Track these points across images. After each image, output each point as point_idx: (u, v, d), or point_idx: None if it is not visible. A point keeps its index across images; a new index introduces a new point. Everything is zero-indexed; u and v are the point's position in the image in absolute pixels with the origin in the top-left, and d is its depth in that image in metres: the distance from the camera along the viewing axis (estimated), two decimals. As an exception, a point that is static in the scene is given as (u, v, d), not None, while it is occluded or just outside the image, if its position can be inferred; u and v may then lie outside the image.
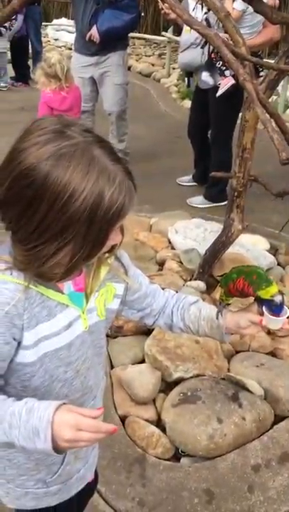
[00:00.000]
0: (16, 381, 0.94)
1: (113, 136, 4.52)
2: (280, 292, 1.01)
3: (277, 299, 0.99)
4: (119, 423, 1.99)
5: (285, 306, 1.02)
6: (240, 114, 2.73)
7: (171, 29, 9.20)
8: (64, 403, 0.83)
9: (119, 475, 1.81)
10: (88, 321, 0.99)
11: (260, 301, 1.04)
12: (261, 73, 3.55)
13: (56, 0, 13.20)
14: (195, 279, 2.73)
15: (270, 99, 2.35)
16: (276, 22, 2.32)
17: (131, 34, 8.15)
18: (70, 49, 7.21)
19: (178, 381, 2.11)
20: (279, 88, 6.52)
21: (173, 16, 3.65)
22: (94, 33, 4.00)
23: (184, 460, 1.92)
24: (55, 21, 12.56)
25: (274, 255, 3.13)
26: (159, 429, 1.97)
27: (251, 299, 1.08)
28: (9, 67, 8.19)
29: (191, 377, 2.12)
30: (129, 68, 7.46)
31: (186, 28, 3.71)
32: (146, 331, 2.38)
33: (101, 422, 0.82)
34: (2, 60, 7.81)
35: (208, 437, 1.87)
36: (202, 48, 3.62)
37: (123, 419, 2.02)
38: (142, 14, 9.85)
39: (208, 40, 1.87)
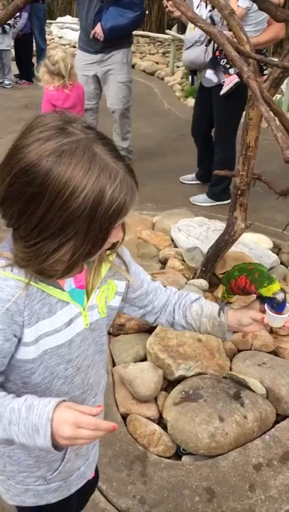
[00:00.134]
0: (17, 377, 0.94)
1: (116, 134, 4.52)
2: (282, 290, 1.00)
3: (280, 296, 0.99)
4: (121, 421, 1.99)
5: (287, 304, 1.01)
6: (243, 113, 2.73)
7: (175, 27, 9.20)
8: (64, 400, 0.83)
9: (121, 473, 1.81)
10: (89, 318, 0.99)
11: (262, 299, 1.03)
12: (265, 71, 3.55)
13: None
14: (197, 278, 2.73)
15: (274, 98, 2.33)
16: (281, 20, 2.31)
17: (135, 32, 8.15)
18: (74, 47, 7.22)
19: (180, 379, 2.11)
20: (283, 87, 6.50)
21: (177, 13, 3.64)
22: (98, 30, 3.99)
23: (185, 458, 1.92)
24: (59, 19, 12.56)
25: (277, 254, 3.12)
26: (161, 427, 1.97)
27: (253, 296, 1.07)
28: (13, 65, 8.20)
29: (193, 375, 2.11)
30: (133, 66, 7.44)
31: (190, 26, 3.70)
32: (149, 329, 2.38)
33: (100, 420, 0.82)
34: (6, 58, 7.81)
35: (209, 436, 1.86)
36: (206, 45, 3.61)
37: (125, 416, 2.03)
38: (147, 12, 9.84)
39: (212, 38, 1.86)
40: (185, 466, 1.86)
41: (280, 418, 2.06)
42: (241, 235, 2.58)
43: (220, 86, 3.66)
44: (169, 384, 2.15)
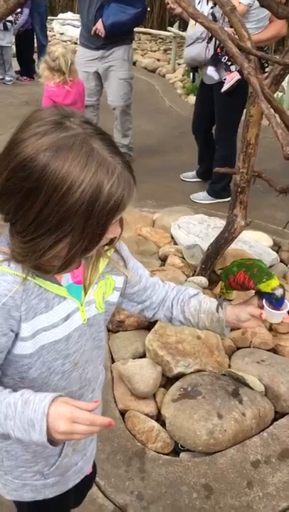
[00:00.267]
0: (14, 372, 0.94)
1: (117, 131, 4.51)
2: (281, 286, 1.00)
3: (278, 292, 0.98)
4: (119, 417, 2.00)
5: (285, 300, 1.01)
6: (244, 110, 2.71)
7: (176, 24, 9.17)
8: (60, 395, 0.82)
9: (119, 469, 1.81)
10: (87, 313, 0.99)
11: (260, 295, 1.03)
12: (266, 69, 3.54)
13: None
14: (197, 275, 2.72)
15: (275, 95, 2.33)
16: (282, 17, 2.30)
17: (136, 29, 8.11)
18: (76, 43, 7.19)
19: (178, 376, 2.11)
20: (284, 84, 6.48)
21: (179, 10, 3.63)
22: (99, 27, 3.98)
23: (183, 455, 1.92)
24: (60, 15, 12.52)
25: (277, 252, 3.12)
26: (159, 423, 1.97)
27: (252, 292, 1.07)
28: (14, 62, 8.18)
29: (192, 372, 2.11)
30: (134, 63, 7.42)
31: (191, 23, 3.69)
32: (148, 326, 2.38)
33: (96, 415, 0.82)
34: (7, 55, 7.79)
35: (207, 432, 1.86)
36: (208, 42, 3.60)
37: (123, 413, 2.03)
38: (148, 9, 9.82)
39: (213, 34, 1.86)
40: (183, 462, 1.86)
41: (278, 415, 2.06)
42: (241, 233, 2.58)
43: (221, 83, 3.65)
44: (167, 381, 2.15)
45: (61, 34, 11.70)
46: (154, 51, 10.74)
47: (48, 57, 3.31)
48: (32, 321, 0.89)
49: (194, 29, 3.65)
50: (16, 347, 0.90)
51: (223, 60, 3.58)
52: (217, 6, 2.93)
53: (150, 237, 3.14)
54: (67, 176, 0.76)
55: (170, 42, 10.08)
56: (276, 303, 1.00)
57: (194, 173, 4.48)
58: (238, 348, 2.34)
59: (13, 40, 7.92)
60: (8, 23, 7.38)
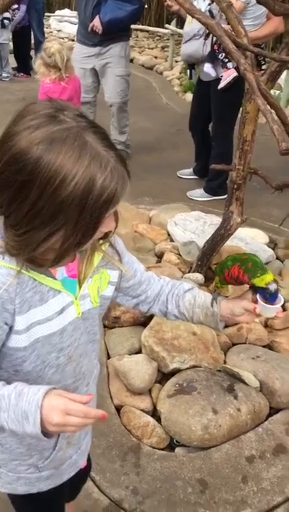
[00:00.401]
0: (8, 365, 0.94)
1: (114, 128, 4.51)
2: (275, 280, 1.00)
3: (272, 287, 0.99)
4: (115, 412, 2.00)
5: (279, 295, 1.01)
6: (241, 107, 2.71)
7: (174, 21, 9.16)
8: (54, 388, 0.83)
9: (114, 463, 1.82)
10: (81, 307, 0.99)
11: (254, 289, 1.03)
12: (263, 67, 3.54)
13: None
14: (193, 272, 2.73)
15: (272, 92, 2.33)
16: (279, 13, 2.29)
17: (134, 26, 8.10)
18: (73, 40, 7.19)
19: (174, 372, 2.12)
20: (282, 82, 6.50)
21: (176, 7, 3.63)
22: (96, 23, 3.98)
23: (178, 450, 1.93)
24: (57, 12, 12.50)
25: (273, 249, 3.13)
26: (155, 419, 1.98)
27: (246, 287, 1.07)
28: (11, 58, 8.16)
29: (188, 368, 2.12)
30: (131, 60, 7.41)
31: (188, 20, 3.69)
32: (144, 322, 2.38)
33: (90, 408, 0.82)
34: (4, 51, 7.77)
35: (202, 428, 1.87)
36: (205, 39, 3.60)
37: (119, 408, 2.03)
38: (146, 6, 9.80)
39: (209, 30, 1.86)
40: (178, 457, 1.87)
41: (273, 411, 2.07)
42: (237, 229, 2.58)
43: (218, 80, 3.65)
44: (163, 376, 2.16)
45: (58, 31, 11.68)
46: (152, 48, 10.74)
47: (43, 54, 3.31)
48: (26, 314, 0.90)
49: (191, 26, 3.65)
50: (11, 340, 0.90)
51: (220, 57, 3.58)
52: (214, 3, 2.93)
53: (146, 233, 3.14)
54: (61, 168, 0.76)
55: (168, 39, 10.07)
56: (270, 297, 1.00)
57: (191, 170, 4.49)
58: (234, 344, 2.35)
59: (11, 36, 7.90)
60: (6, 21, 7.36)
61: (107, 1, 3.97)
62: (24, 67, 8.21)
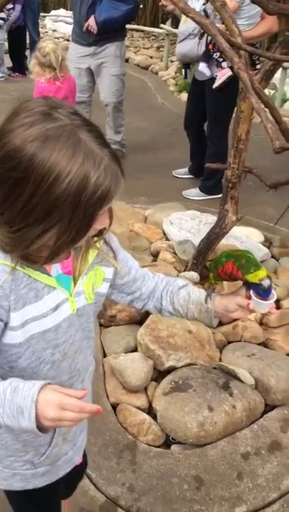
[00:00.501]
0: (3, 362, 0.95)
1: (109, 128, 4.51)
2: (269, 276, 1.01)
3: (266, 283, 1.00)
4: (111, 410, 2.01)
5: (272, 291, 1.02)
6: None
7: (169, 21, 9.16)
8: (49, 383, 0.83)
9: (110, 461, 1.83)
10: (76, 304, 0.99)
11: (248, 285, 1.04)
12: (257, 66, 3.55)
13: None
14: (189, 270, 2.74)
15: (267, 92, 2.35)
16: (273, 12, 2.31)
17: (129, 26, 8.10)
18: (68, 40, 7.18)
19: (170, 370, 2.12)
20: (276, 82, 6.51)
21: (171, 7, 3.64)
22: (92, 23, 3.98)
23: (174, 447, 1.94)
24: (53, 12, 12.48)
25: (268, 248, 3.14)
26: (150, 416, 1.99)
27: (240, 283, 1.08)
28: (6, 58, 8.15)
29: (183, 366, 2.13)
30: (127, 60, 7.41)
31: (183, 19, 3.69)
32: (139, 321, 2.39)
33: (85, 402, 0.83)
34: (-1, 51, 7.76)
35: (198, 425, 1.88)
36: (200, 38, 3.61)
37: (115, 406, 2.04)
38: (141, 6, 9.80)
39: (203, 29, 1.87)
40: (174, 454, 1.88)
41: (268, 408, 2.09)
42: (232, 228, 2.59)
43: (213, 79, 3.67)
44: (159, 374, 2.16)
45: (54, 31, 11.66)
46: (147, 48, 10.74)
47: (38, 53, 3.31)
48: (21, 310, 0.90)
49: (186, 25, 3.66)
50: (6, 336, 0.91)
51: (214, 56, 3.59)
52: (209, 3, 2.94)
53: (142, 232, 3.15)
54: (55, 166, 0.77)
55: (163, 39, 10.08)
56: (263, 293, 1.01)
57: (186, 169, 4.50)
58: (229, 342, 2.36)
59: (6, 36, 7.89)
60: (1, 21, 7.35)
61: (102, 0, 3.98)
62: (19, 67, 8.20)
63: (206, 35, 3.45)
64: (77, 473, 1.32)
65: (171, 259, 2.83)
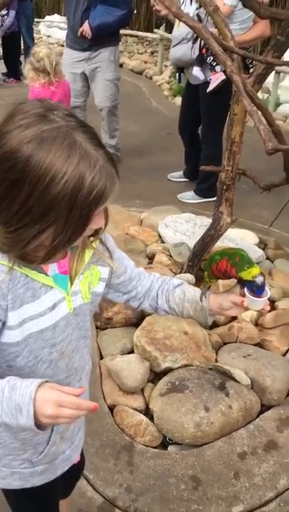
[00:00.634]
0: (1, 361, 0.96)
1: (104, 132, 4.53)
2: (262, 274, 1.03)
3: (259, 280, 1.01)
4: (108, 412, 2.01)
5: (266, 288, 1.04)
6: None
7: (163, 26, 9.21)
8: (47, 381, 0.84)
9: (108, 462, 1.83)
10: (73, 303, 1.01)
11: (242, 283, 1.06)
12: (251, 70, 3.58)
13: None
14: (184, 272, 2.75)
15: (261, 96, 2.37)
16: (265, 17, 2.34)
17: (123, 31, 8.14)
18: (62, 46, 7.20)
19: (166, 371, 2.13)
20: (270, 86, 6.56)
21: (164, 12, 3.67)
22: (86, 28, 4.01)
23: (171, 448, 1.95)
24: (47, 18, 12.51)
25: (263, 250, 3.16)
26: (147, 417, 2.00)
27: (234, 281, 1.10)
28: (1, 63, 8.17)
29: (179, 367, 2.14)
30: (121, 65, 7.45)
31: (177, 24, 3.72)
32: (136, 323, 2.40)
33: (82, 400, 0.84)
34: (-6, 56, 7.79)
35: (195, 425, 1.89)
36: (193, 43, 3.64)
37: (112, 408, 2.05)
38: (135, 12, 9.85)
39: (196, 33, 1.89)
40: (171, 455, 1.89)
41: (264, 408, 2.10)
42: (227, 230, 2.61)
43: (207, 83, 3.69)
44: (155, 376, 2.17)
45: (48, 36, 11.70)
46: (141, 53, 10.78)
47: (32, 58, 3.33)
48: (19, 309, 0.91)
49: (180, 30, 3.68)
50: (4, 335, 0.92)
51: (208, 60, 3.62)
52: (202, 8, 2.97)
53: (138, 235, 3.17)
54: (51, 167, 0.78)
55: (157, 44, 10.12)
56: (257, 290, 1.03)
57: (181, 173, 4.52)
58: (225, 343, 2.37)
59: (0, 42, 7.92)
60: (-5, 27, 7.38)
61: (96, 6, 4.00)
62: (14, 72, 8.21)
63: (199, 39, 3.48)
64: (75, 472, 1.32)
65: (166, 261, 2.84)
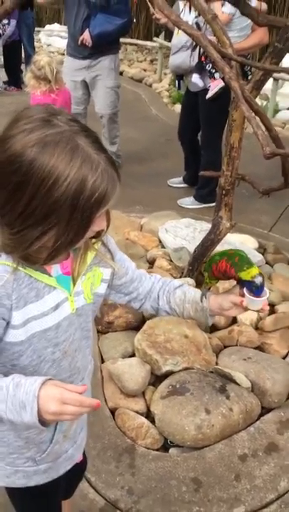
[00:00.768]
0: (6, 360, 0.97)
1: (105, 139, 4.57)
2: (261, 274, 1.05)
3: (258, 280, 1.03)
4: (110, 415, 2.03)
5: (265, 288, 1.06)
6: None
7: (162, 34, 9.29)
8: (50, 379, 0.86)
9: (109, 465, 1.84)
10: (75, 303, 1.03)
11: (241, 283, 1.08)
12: (249, 77, 3.62)
13: (48, 6, 13.25)
14: (185, 277, 2.77)
15: (259, 103, 2.41)
16: (262, 24, 2.38)
17: (123, 40, 8.21)
18: (63, 54, 7.27)
19: (167, 374, 2.15)
20: (268, 93, 6.62)
21: (164, 20, 3.72)
22: (86, 36, 4.06)
23: (172, 450, 1.96)
24: (47, 27, 12.64)
25: (262, 254, 3.19)
26: (149, 420, 2.01)
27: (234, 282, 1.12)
28: (2, 72, 8.25)
29: (180, 370, 2.15)
30: (121, 73, 7.51)
31: (176, 32, 3.77)
32: (136, 327, 2.41)
33: (85, 397, 0.86)
34: (-5, 65, 7.86)
35: (196, 428, 1.90)
36: (192, 50, 3.68)
37: (113, 411, 2.06)
38: (134, 20, 9.95)
39: (194, 40, 1.93)
40: (172, 457, 1.90)
41: (264, 411, 2.11)
42: (226, 234, 2.63)
43: (206, 90, 3.73)
44: (156, 379, 2.19)
45: (48, 45, 11.81)
46: (141, 61, 10.87)
47: (33, 67, 3.37)
48: (23, 309, 0.93)
49: (179, 38, 3.73)
50: (8, 335, 0.94)
51: (207, 67, 3.66)
52: (201, 16, 3.01)
53: (138, 240, 3.19)
54: (54, 170, 0.80)
55: (156, 52, 10.21)
56: (256, 290, 1.05)
57: (181, 179, 4.55)
58: (225, 347, 2.39)
59: (1, 51, 8.00)
60: (-3, 36, 7.46)
61: (97, 15, 4.06)
62: (15, 80, 8.29)
63: (198, 47, 3.52)
64: (77, 472, 1.34)
65: (167, 266, 2.87)
